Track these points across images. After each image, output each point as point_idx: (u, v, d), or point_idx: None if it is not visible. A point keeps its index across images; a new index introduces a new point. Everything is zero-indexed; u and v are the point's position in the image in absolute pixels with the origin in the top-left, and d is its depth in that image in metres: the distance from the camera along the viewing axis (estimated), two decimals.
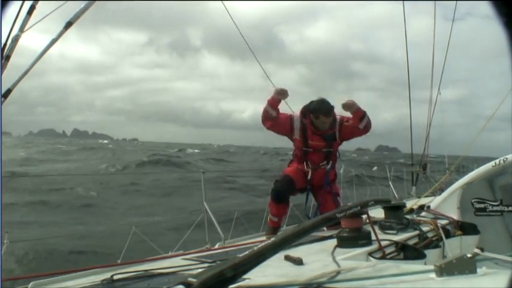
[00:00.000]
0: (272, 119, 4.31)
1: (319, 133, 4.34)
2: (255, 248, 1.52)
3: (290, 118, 4.41)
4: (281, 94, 4.28)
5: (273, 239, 1.69)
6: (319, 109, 4.25)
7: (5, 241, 3.44)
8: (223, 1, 4.74)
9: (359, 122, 4.24)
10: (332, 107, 4.31)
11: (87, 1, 2.63)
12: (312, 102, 4.36)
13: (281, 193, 4.33)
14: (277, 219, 4.39)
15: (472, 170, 4.78)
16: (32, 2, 2.47)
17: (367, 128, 4.33)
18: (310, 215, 4.54)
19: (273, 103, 4.27)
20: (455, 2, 7.74)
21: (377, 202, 2.89)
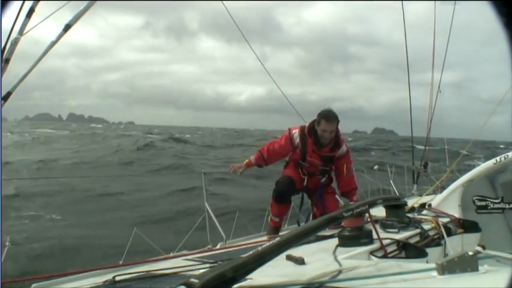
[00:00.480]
0: (267, 164, 4.52)
1: (318, 152, 4.32)
2: (259, 248, 1.52)
3: (289, 139, 4.40)
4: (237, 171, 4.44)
5: (277, 239, 1.69)
6: (321, 113, 4.23)
7: (7, 243, 3.43)
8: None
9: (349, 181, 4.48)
10: (335, 116, 4.23)
11: (86, 2, 2.63)
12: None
13: (284, 193, 4.32)
14: (278, 219, 4.41)
15: (473, 167, 4.78)
16: (31, 4, 2.47)
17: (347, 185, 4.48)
18: (299, 220, 4.62)
19: (255, 165, 4.50)
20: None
21: (385, 200, 2.85)
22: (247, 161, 4.50)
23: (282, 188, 4.32)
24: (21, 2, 2.45)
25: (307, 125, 4.36)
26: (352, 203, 4.06)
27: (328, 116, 4.18)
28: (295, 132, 4.37)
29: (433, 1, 7.36)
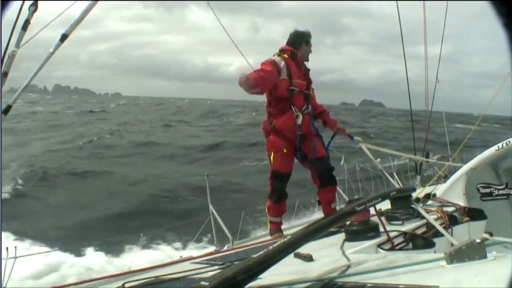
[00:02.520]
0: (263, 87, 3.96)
1: (302, 70, 4.30)
2: (270, 248, 1.51)
3: (273, 63, 4.07)
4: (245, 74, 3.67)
5: (289, 237, 1.68)
6: (306, 33, 4.33)
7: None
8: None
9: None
10: (308, 33, 4.40)
11: (81, 13, 2.63)
12: (296, 32, 4.36)
13: (280, 191, 4.28)
14: (279, 219, 4.38)
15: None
16: (26, 16, 2.48)
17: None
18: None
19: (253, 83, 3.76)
20: None
21: (400, 191, 2.78)
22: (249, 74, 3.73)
23: (277, 187, 4.25)
24: (17, 15, 2.45)
25: (288, 51, 4.24)
26: (361, 197, 3.98)
27: (310, 34, 4.36)
28: (276, 58, 4.18)
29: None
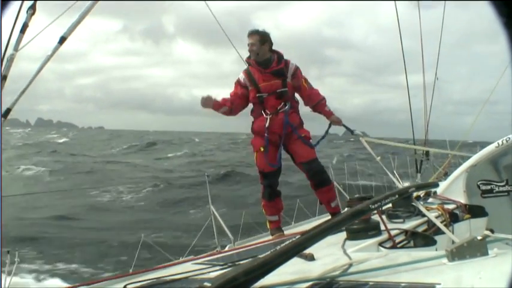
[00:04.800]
0: (234, 109, 4.33)
1: (267, 71, 4.21)
2: (277, 248, 1.50)
3: (237, 82, 4.34)
4: (207, 104, 4.22)
5: (297, 236, 1.66)
6: (257, 32, 4.21)
7: (16, 259, 3.44)
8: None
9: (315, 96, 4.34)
10: (255, 29, 4.21)
11: (78, 16, 2.63)
12: None
13: (270, 189, 4.29)
14: (277, 218, 4.37)
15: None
16: (24, 19, 2.48)
17: (312, 98, 4.35)
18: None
19: (221, 109, 4.28)
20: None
21: (419, 188, 2.64)
22: (215, 101, 4.26)
23: (267, 183, 4.28)
24: (15, 18, 2.45)
25: (248, 60, 4.33)
26: (379, 196, 3.93)
27: (249, 31, 4.22)
28: (240, 75, 4.33)
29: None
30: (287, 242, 1.58)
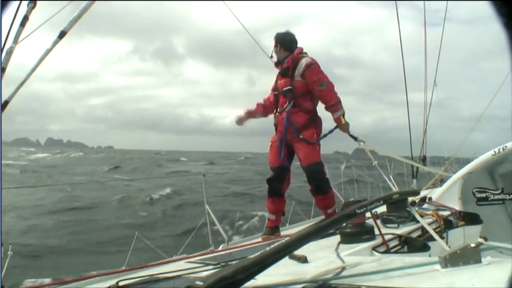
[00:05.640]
0: (268, 112, 4.58)
1: (279, 70, 4.38)
2: (266, 250, 1.51)
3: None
4: (241, 122, 4.68)
5: (287, 238, 1.67)
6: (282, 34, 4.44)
7: (9, 252, 3.43)
8: (226, 1, 4.93)
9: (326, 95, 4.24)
10: (276, 33, 4.44)
11: (80, 8, 2.62)
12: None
13: (272, 185, 4.32)
14: (274, 217, 4.37)
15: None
16: (25, 12, 2.47)
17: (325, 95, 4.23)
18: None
19: (257, 115, 4.64)
20: (446, 2, 7.86)
21: (402, 194, 2.77)
22: (246, 110, 4.66)
23: (270, 179, 4.34)
24: (15, 10, 2.44)
25: None
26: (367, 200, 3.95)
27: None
28: None
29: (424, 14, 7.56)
30: (277, 243, 1.59)
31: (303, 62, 4.21)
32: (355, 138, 4.64)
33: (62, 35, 2.56)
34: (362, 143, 4.63)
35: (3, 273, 3.02)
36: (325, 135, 4.41)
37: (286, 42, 4.37)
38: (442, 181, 6.40)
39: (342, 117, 4.28)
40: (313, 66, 4.21)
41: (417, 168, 7.46)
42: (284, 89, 4.25)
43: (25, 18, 2.50)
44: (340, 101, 4.27)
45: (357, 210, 2.19)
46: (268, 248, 1.52)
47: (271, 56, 4.45)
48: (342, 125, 4.34)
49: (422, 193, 4.91)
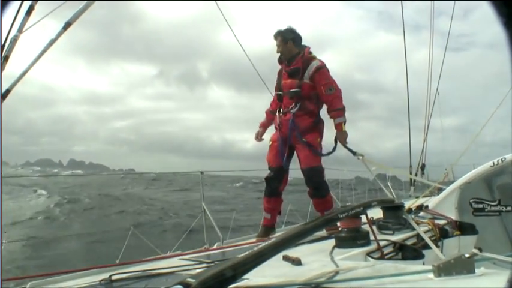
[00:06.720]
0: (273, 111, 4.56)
1: (287, 69, 4.27)
2: (255, 248, 1.52)
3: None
4: (259, 138, 4.67)
5: (273, 239, 1.69)
6: (289, 30, 4.33)
7: (4, 241, 3.43)
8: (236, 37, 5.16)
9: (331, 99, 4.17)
10: (279, 31, 4.29)
11: (85, 1, 2.63)
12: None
13: (269, 185, 4.32)
14: (270, 216, 4.37)
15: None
16: (31, 2, 2.47)
17: (331, 100, 4.16)
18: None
19: (269, 125, 4.64)
20: (453, 2, 7.85)
21: (380, 202, 2.87)
22: (260, 124, 4.68)
23: (267, 179, 4.34)
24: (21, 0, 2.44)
25: None
26: (348, 204, 3.97)
27: (274, 34, 4.32)
28: None
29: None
30: (266, 243, 1.60)
31: (314, 64, 4.16)
32: (354, 153, 4.55)
33: (67, 26, 2.56)
34: (361, 157, 4.58)
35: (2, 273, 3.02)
36: (329, 153, 4.32)
37: (298, 39, 4.30)
38: (440, 190, 6.41)
39: (342, 124, 4.23)
40: (323, 69, 4.18)
41: (415, 175, 7.47)
42: (291, 90, 4.21)
43: (31, 8, 2.50)
44: (344, 109, 4.22)
45: (339, 215, 2.32)
46: (256, 248, 1.53)
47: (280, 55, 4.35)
48: (341, 132, 4.25)
49: (419, 201, 4.91)
